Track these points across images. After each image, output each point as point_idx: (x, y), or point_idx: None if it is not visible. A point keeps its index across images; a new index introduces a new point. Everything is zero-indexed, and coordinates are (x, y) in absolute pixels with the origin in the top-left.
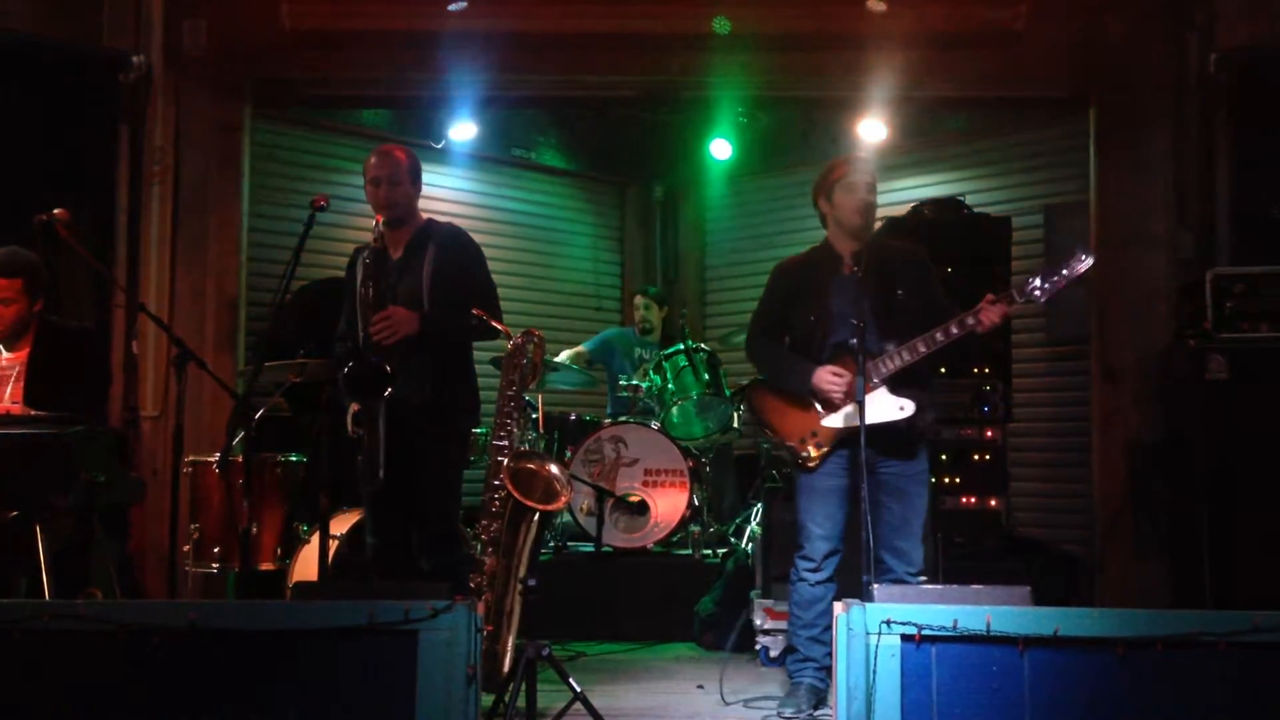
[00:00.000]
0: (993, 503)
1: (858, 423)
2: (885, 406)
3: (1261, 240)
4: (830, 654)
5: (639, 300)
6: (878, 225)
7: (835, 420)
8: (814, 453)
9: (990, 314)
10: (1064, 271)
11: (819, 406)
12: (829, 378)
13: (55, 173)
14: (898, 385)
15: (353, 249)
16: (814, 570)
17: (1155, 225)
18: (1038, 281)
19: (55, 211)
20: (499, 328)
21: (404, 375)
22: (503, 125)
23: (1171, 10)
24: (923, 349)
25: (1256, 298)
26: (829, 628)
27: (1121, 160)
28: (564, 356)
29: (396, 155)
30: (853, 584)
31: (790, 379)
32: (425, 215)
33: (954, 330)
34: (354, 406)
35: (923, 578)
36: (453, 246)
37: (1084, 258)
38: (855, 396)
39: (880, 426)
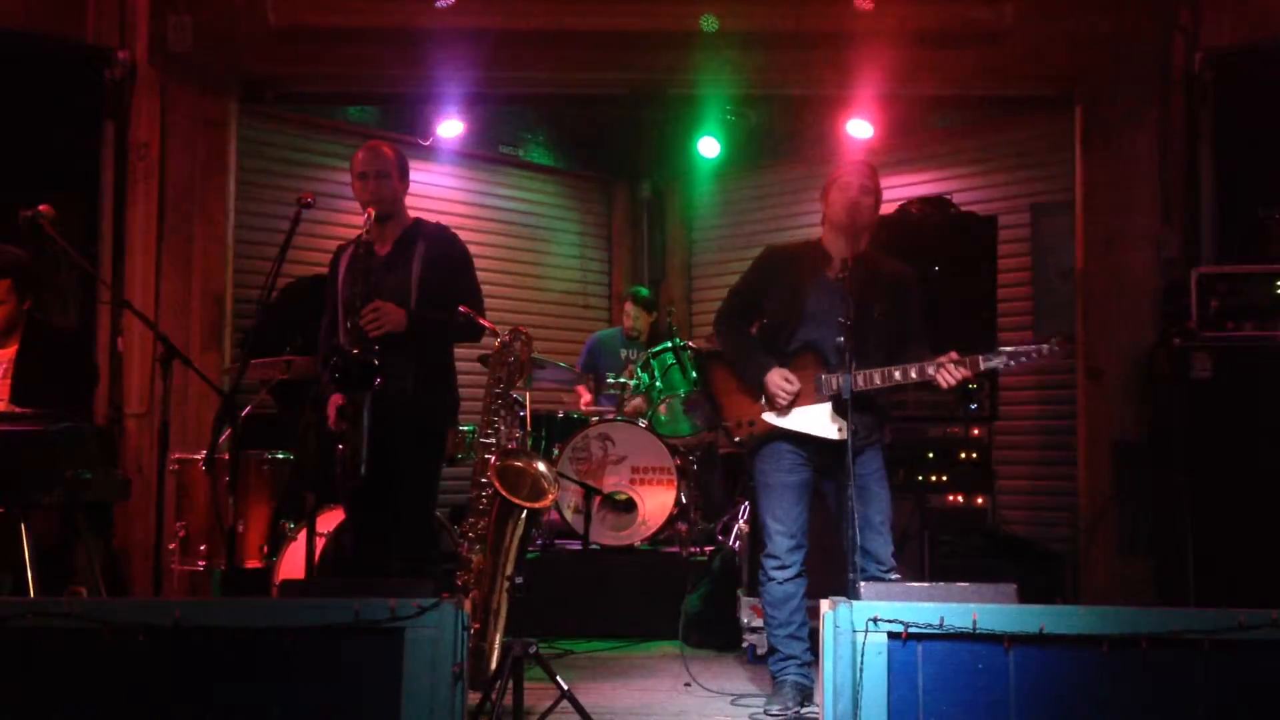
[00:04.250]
0: (979, 501)
1: (794, 427)
2: (823, 423)
3: (1246, 239)
4: (810, 649)
5: (630, 309)
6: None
7: (772, 418)
8: (744, 438)
9: (949, 376)
10: (1034, 354)
11: (764, 400)
12: (779, 382)
13: (40, 169)
14: (844, 406)
15: (336, 247)
16: (781, 568)
17: (1140, 224)
18: (1004, 359)
19: (40, 208)
20: (486, 325)
21: (386, 372)
22: (490, 123)
23: (1157, 9)
24: (878, 381)
25: (1241, 297)
26: (805, 623)
27: (1107, 159)
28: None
29: (385, 150)
30: (826, 583)
31: (746, 369)
32: (413, 214)
33: (913, 375)
34: (337, 401)
35: (895, 575)
36: (442, 246)
37: (1057, 348)
38: (814, 397)
39: (819, 440)
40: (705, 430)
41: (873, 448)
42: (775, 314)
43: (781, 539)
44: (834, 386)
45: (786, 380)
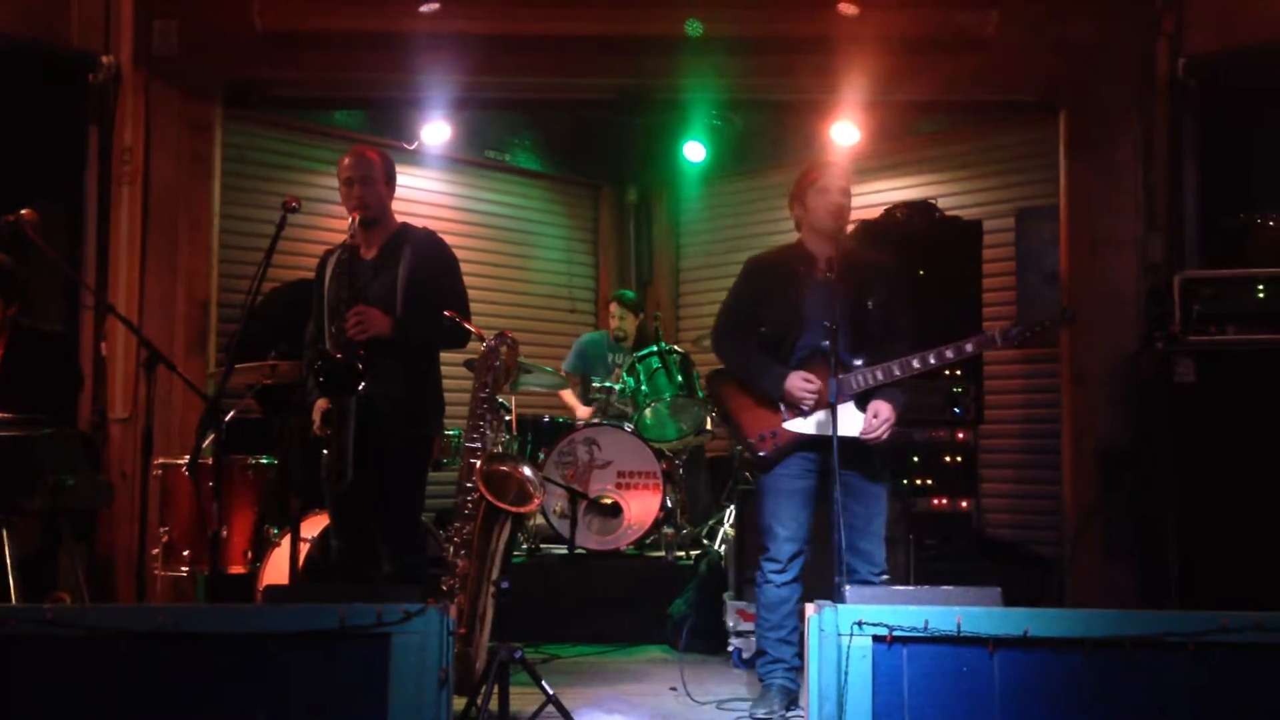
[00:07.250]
0: (963, 504)
1: (820, 431)
2: (850, 422)
3: (1229, 244)
4: (799, 654)
5: (615, 309)
6: (850, 228)
7: (797, 425)
8: (769, 451)
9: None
10: (1044, 324)
11: (784, 409)
12: (801, 384)
13: (23, 173)
14: (866, 401)
15: (323, 251)
16: (780, 571)
17: (1124, 229)
18: (1016, 330)
19: (23, 212)
20: (471, 329)
21: (374, 377)
22: (476, 127)
23: (1141, 16)
24: (898, 373)
25: (1224, 301)
26: (796, 628)
27: (1091, 164)
28: (570, 401)
29: (370, 156)
30: (818, 585)
31: (762, 381)
32: (400, 219)
33: (931, 360)
34: (322, 405)
35: (885, 576)
36: (429, 251)
37: (1067, 319)
38: (826, 402)
39: (842, 439)
40: (692, 435)
41: (880, 450)
42: (774, 324)
43: (786, 544)
44: (854, 386)
45: (806, 380)
